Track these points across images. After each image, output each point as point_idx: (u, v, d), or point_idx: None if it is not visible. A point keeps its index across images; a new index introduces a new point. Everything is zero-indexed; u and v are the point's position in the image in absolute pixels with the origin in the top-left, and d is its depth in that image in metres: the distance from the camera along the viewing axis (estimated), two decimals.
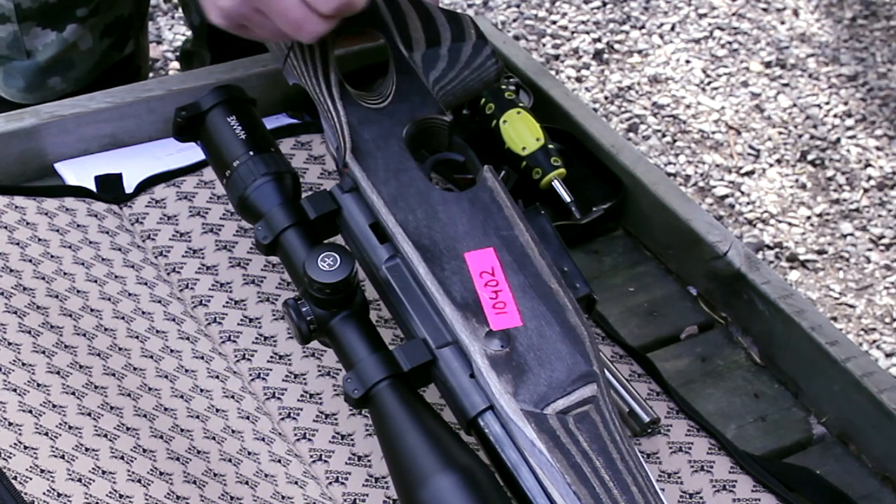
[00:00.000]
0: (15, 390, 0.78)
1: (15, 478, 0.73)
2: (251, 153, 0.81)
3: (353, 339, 0.74)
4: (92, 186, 0.97)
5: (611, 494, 0.67)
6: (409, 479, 0.68)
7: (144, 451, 0.78)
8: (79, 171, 1.00)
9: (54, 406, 0.78)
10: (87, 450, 0.76)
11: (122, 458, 0.77)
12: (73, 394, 0.80)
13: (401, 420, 0.70)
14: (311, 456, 0.81)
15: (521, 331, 0.72)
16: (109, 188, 0.97)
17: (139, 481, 0.76)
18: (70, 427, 0.77)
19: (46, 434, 0.76)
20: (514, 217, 0.77)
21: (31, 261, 0.88)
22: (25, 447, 0.75)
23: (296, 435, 0.82)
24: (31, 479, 0.74)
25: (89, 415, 0.79)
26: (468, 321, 0.72)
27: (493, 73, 0.92)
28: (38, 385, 0.79)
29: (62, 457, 0.75)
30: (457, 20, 0.91)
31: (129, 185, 0.97)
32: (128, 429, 0.79)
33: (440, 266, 0.74)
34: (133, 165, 1.00)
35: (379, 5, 0.89)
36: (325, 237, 0.80)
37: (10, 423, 0.76)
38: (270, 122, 1.03)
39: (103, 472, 0.75)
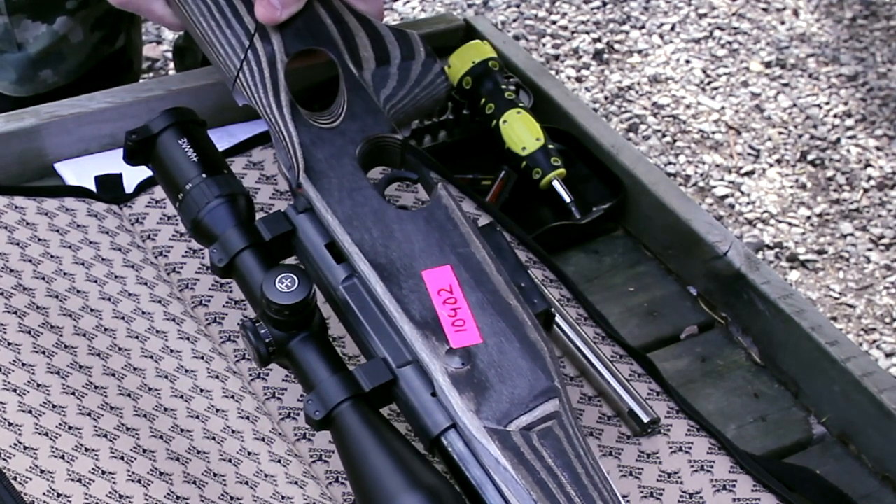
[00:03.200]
0: (15, 390, 0.79)
1: (15, 478, 0.73)
2: (204, 175, 0.80)
3: (313, 361, 0.73)
4: (92, 186, 0.97)
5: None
6: (375, 500, 0.67)
7: (144, 451, 0.78)
8: (79, 171, 1.00)
9: (54, 406, 0.78)
10: (86, 450, 0.76)
11: (122, 458, 0.77)
12: (73, 394, 0.80)
13: (364, 440, 0.69)
14: (311, 456, 0.81)
15: (481, 348, 0.72)
16: (109, 188, 0.97)
17: (139, 481, 0.76)
18: (70, 427, 0.77)
19: (46, 434, 0.76)
20: (469, 234, 0.76)
21: (30, 261, 0.88)
22: (25, 447, 0.75)
23: (296, 435, 0.82)
24: (30, 479, 0.74)
25: (89, 415, 0.79)
26: (428, 339, 0.72)
27: (443, 90, 0.92)
28: (38, 385, 0.79)
29: (62, 457, 0.75)
30: (405, 38, 0.91)
31: (129, 185, 0.97)
32: (128, 429, 0.79)
33: (398, 284, 0.74)
34: (133, 165, 1.00)
35: (327, 24, 0.89)
36: (280, 258, 0.79)
37: (10, 424, 0.76)
38: (262, 125, 1.03)
39: (103, 473, 0.75)
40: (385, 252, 0.76)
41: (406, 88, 0.89)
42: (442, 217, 0.77)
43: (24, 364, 0.80)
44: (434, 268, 0.75)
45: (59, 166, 1.01)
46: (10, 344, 0.82)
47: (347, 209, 0.78)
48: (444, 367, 0.71)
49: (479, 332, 0.72)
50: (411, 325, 0.73)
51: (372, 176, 0.83)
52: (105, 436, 0.78)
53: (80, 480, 0.74)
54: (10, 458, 0.74)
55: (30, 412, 0.77)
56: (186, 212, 0.80)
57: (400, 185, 0.97)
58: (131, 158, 0.83)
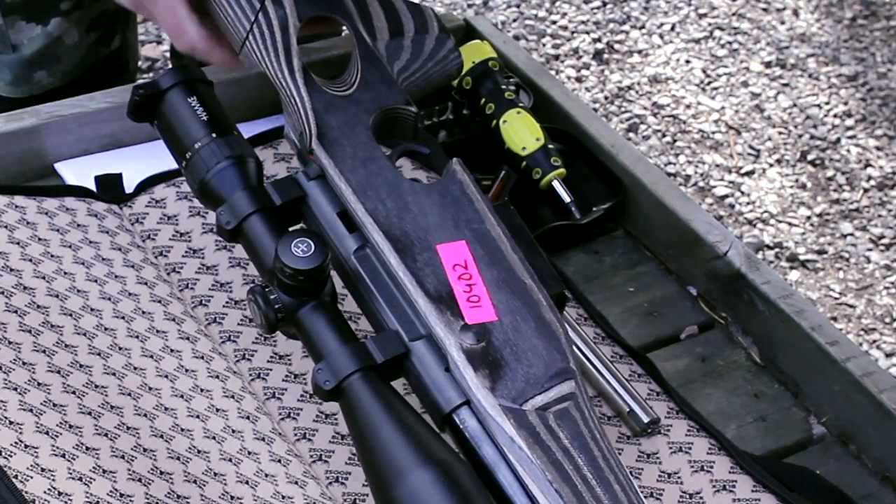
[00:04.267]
0: (16, 389, 0.78)
1: (16, 476, 0.73)
2: (213, 135, 0.78)
3: (323, 330, 0.71)
4: (92, 186, 0.97)
5: (593, 492, 0.65)
6: (385, 474, 0.66)
7: (145, 450, 0.78)
8: (79, 171, 1.00)
9: (55, 405, 0.78)
10: (87, 449, 0.76)
11: (122, 457, 0.77)
12: (74, 393, 0.80)
13: (375, 413, 0.68)
14: (312, 456, 0.81)
15: (496, 325, 0.70)
16: (109, 188, 0.97)
17: (140, 480, 0.76)
18: (71, 426, 0.77)
19: (47, 433, 0.76)
20: (484, 210, 0.75)
21: (31, 260, 0.88)
22: (26, 446, 0.75)
23: (296, 435, 0.82)
24: (31, 477, 0.74)
25: (90, 414, 0.79)
26: (443, 314, 0.70)
27: (455, 66, 0.90)
28: (39, 384, 0.79)
29: (63, 455, 0.75)
30: (419, 12, 0.89)
31: (129, 185, 0.97)
32: (128, 428, 0.79)
33: (412, 257, 0.72)
34: (133, 165, 1.00)
35: None
36: (290, 225, 0.77)
37: (11, 422, 0.76)
38: (269, 123, 1.03)
39: (104, 471, 0.75)
40: (399, 223, 0.74)
41: (419, 62, 0.87)
42: (457, 192, 0.76)
43: (24, 363, 0.80)
44: (449, 242, 0.73)
45: (59, 166, 1.01)
46: (10, 343, 0.82)
47: (361, 178, 0.76)
48: (458, 342, 0.69)
49: (494, 310, 0.71)
50: (426, 298, 0.71)
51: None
52: (106, 435, 0.78)
53: (80, 479, 0.74)
54: (10, 456, 0.74)
55: (30, 411, 0.77)
56: (193, 172, 0.78)
57: (407, 163, 0.96)
58: (136, 114, 0.81)
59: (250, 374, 0.85)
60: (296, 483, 0.79)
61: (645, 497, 0.80)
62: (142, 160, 1.01)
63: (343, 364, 0.70)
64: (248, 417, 0.82)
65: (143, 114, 0.81)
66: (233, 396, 0.83)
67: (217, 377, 0.84)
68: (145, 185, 0.97)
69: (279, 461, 0.80)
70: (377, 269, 0.74)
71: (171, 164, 0.99)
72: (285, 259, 0.70)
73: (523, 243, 0.75)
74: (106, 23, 1.27)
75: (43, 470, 0.74)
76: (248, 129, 1.03)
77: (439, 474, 0.65)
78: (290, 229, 0.75)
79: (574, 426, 0.68)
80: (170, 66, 2.32)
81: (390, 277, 0.73)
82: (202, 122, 0.78)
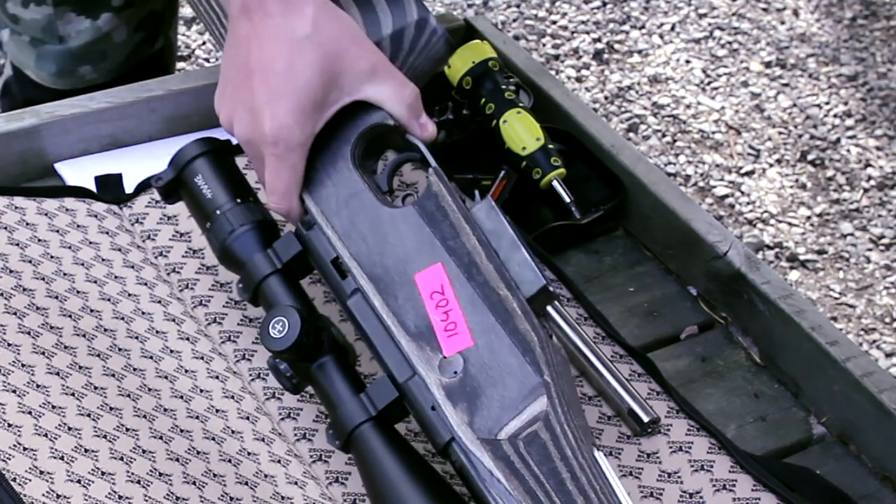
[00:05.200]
0: (14, 391, 0.78)
1: (14, 479, 0.73)
2: (237, 200, 0.81)
3: (328, 387, 0.75)
4: (92, 186, 0.97)
5: None
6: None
7: (144, 451, 0.78)
8: (79, 172, 1.00)
9: (54, 407, 0.78)
10: (86, 451, 0.76)
11: (121, 458, 0.77)
12: (73, 395, 0.80)
13: (382, 462, 0.71)
14: (311, 456, 0.81)
15: (472, 351, 0.71)
16: (109, 189, 0.97)
17: (139, 482, 0.76)
18: (70, 428, 0.77)
19: (46, 435, 0.76)
20: (459, 222, 0.75)
21: (30, 261, 0.88)
22: (25, 448, 0.75)
23: (296, 435, 0.82)
24: (30, 480, 0.74)
25: (89, 415, 0.79)
26: (423, 351, 0.72)
27: (442, 48, 0.88)
28: (38, 386, 0.79)
29: (62, 458, 0.75)
30: (397, 2, 0.87)
31: (130, 186, 0.97)
32: (127, 429, 0.79)
33: (394, 295, 0.74)
34: (133, 165, 1.00)
35: None
36: (303, 276, 0.80)
37: (10, 425, 0.76)
38: None
39: (103, 473, 0.75)
40: (381, 261, 0.75)
41: (400, 60, 0.87)
42: (432, 208, 0.76)
43: (23, 365, 0.80)
44: (426, 269, 0.74)
45: (59, 166, 1.01)
46: (9, 345, 0.82)
47: (345, 221, 0.78)
48: (438, 379, 0.71)
49: (469, 334, 0.72)
50: (407, 338, 0.73)
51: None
52: (105, 436, 0.78)
53: (79, 481, 0.74)
54: (9, 459, 0.74)
55: (29, 413, 0.77)
56: (214, 238, 0.81)
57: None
58: (168, 198, 0.85)
59: (250, 375, 0.85)
60: (295, 483, 0.79)
61: (645, 497, 0.80)
62: (142, 160, 1.01)
63: (346, 420, 0.73)
64: (247, 418, 0.82)
65: (172, 196, 0.85)
66: (232, 397, 0.83)
67: (217, 377, 0.84)
68: (145, 186, 0.97)
69: (279, 462, 0.80)
70: (368, 312, 0.75)
71: None
72: (267, 344, 0.74)
73: (505, 241, 0.75)
74: (153, 23, 1.27)
75: (42, 472, 0.74)
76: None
77: None
78: (280, 303, 0.77)
79: (543, 450, 0.68)
80: (182, 64, 2.32)
81: (379, 319, 0.75)
82: (212, 197, 0.82)
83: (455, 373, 0.71)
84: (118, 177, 0.98)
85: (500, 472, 0.68)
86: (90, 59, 1.23)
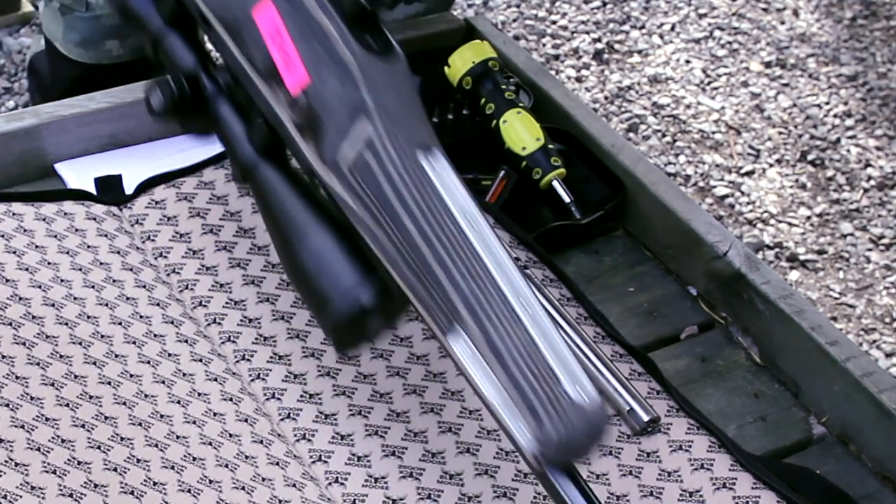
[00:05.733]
0: (7, 405, 0.78)
1: (5, 496, 0.73)
2: None
3: (228, 121, 0.77)
4: (92, 187, 0.97)
5: (392, 235, 0.67)
6: (291, 238, 0.72)
7: (139, 460, 0.77)
8: (79, 172, 1.00)
9: (47, 419, 0.78)
10: (79, 463, 0.76)
11: (115, 469, 0.76)
12: (67, 405, 0.79)
13: (278, 191, 0.73)
14: (311, 457, 0.81)
15: (310, 87, 0.71)
16: (109, 190, 0.97)
17: (132, 493, 0.75)
18: (63, 441, 0.77)
19: (38, 449, 0.76)
20: None
21: (27, 269, 0.88)
22: (17, 464, 0.75)
23: (295, 436, 0.82)
24: (20, 496, 0.73)
25: (83, 426, 0.78)
26: (274, 91, 0.73)
27: None
28: (32, 398, 0.79)
29: (54, 472, 0.75)
30: None
31: (129, 186, 0.97)
32: (122, 439, 0.78)
33: (243, 39, 0.74)
34: (133, 166, 1.00)
35: None
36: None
37: (2, 440, 0.75)
38: None
39: (95, 486, 0.75)
40: (226, 4, 0.76)
41: None
42: None
43: (17, 377, 0.80)
44: (258, 4, 0.74)
45: (59, 167, 1.01)
46: (3, 357, 0.81)
47: None
48: (290, 117, 0.72)
49: (304, 68, 0.72)
50: (259, 79, 0.74)
51: None
52: (99, 447, 0.77)
53: (71, 495, 0.74)
54: (0, 475, 0.74)
55: (22, 427, 0.77)
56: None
57: None
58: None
59: (250, 375, 0.85)
60: (293, 486, 0.79)
61: (645, 496, 0.80)
62: (142, 160, 1.01)
63: (243, 159, 0.75)
64: (245, 420, 0.82)
65: None
66: (231, 399, 0.83)
67: (215, 380, 0.84)
68: (145, 187, 0.97)
69: (277, 464, 0.80)
70: (236, 59, 0.76)
71: (171, 165, 0.99)
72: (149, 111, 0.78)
73: None
74: None
75: (33, 488, 0.74)
76: (210, 137, 1.03)
77: (337, 235, 0.71)
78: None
79: (368, 170, 0.69)
80: None
81: (239, 66, 0.76)
82: None
83: (300, 108, 0.72)
84: (118, 178, 0.98)
85: (348, 196, 0.69)
86: (118, 32, 1.22)
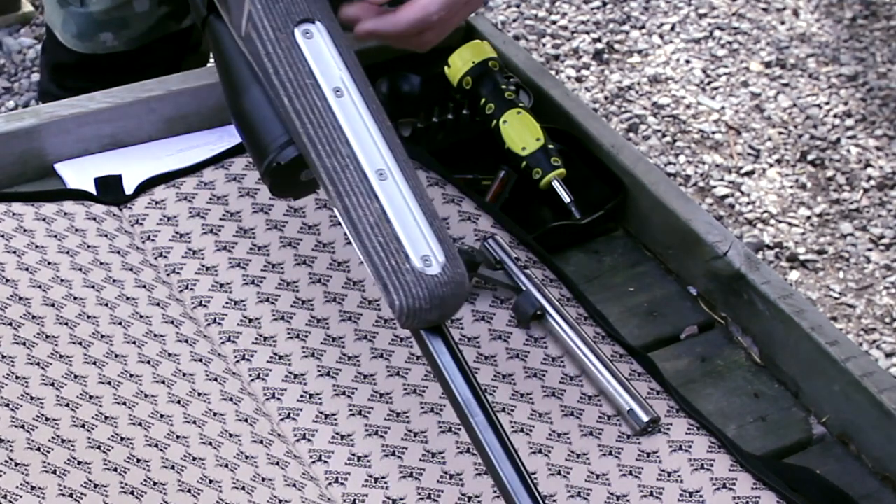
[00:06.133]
0: (7, 405, 0.78)
1: (5, 496, 0.73)
2: None
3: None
4: (92, 187, 0.97)
5: (278, 103, 0.71)
6: (237, 89, 0.74)
7: (139, 460, 0.77)
8: (79, 172, 1.00)
9: (47, 419, 0.78)
10: (79, 463, 0.76)
11: (114, 469, 0.76)
12: (68, 405, 0.79)
13: (225, 46, 0.76)
14: (311, 457, 0.81)
15: None
16: (109, 190, 0.97)
17: (132, 493, 0.75)
18: (63, 441, 0.77)
19: (38, 449, 0.76)
20: None
21: (27, 269, 0.88)
22: (17, 464, 0.75)
23: (295, 436, 0.82)
24: (20, 496, 0.73)
25: (83, 426, 0.78)
26: None
27: None
28: (32, 398, 0.79)
29: (54, 472, 0.75)
30: None
31: (129, 186, 0.97)
32: (122, 439, 0.78)
33: None
34: (133, 166, 1.00)
35: None
36: None
37: (2, 440, 0.75)
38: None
39: (95, 486, 0.75)
40: None
41: None
42: None
43: (17, 377, 0.80)
44: None
45: (59, 167, 1.01)
46: (3, 357, 0.81)
47: None
48: None
49: None
50: None
51: None
52: (99, 447, 0.77)
53: (71, 495, 0.74)
54: (0, 475, 0.74)
55: (22, 427, 0.77)
56: None
57: None
58: None
59: (250, 375, 0.85)
60: (293, 486, 0.79)
61: (645, 496, 0.80)
62: (142, 161, 1.01)
63: (197, 11, 0.78)
64: (245, 420, 0.82)
65: None
66: (231, 399, 0.83)
67: (215, 380, 0.84)
68: (145, 187, 0.97)
69: (277, 464, 0.80)
70: None
71: (171, 165, 0.99)
72: None
73: None
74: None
75: (33, 488, 0.73)
76: (210, 137, 1.03)
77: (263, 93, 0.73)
78: None
79: (254, 47, 0.72)
80: None
81: None
82: None
83: None
84: (118, 178, 0.98)
85: (254, 63, 0.72)
86: (110, 25, 1.24)
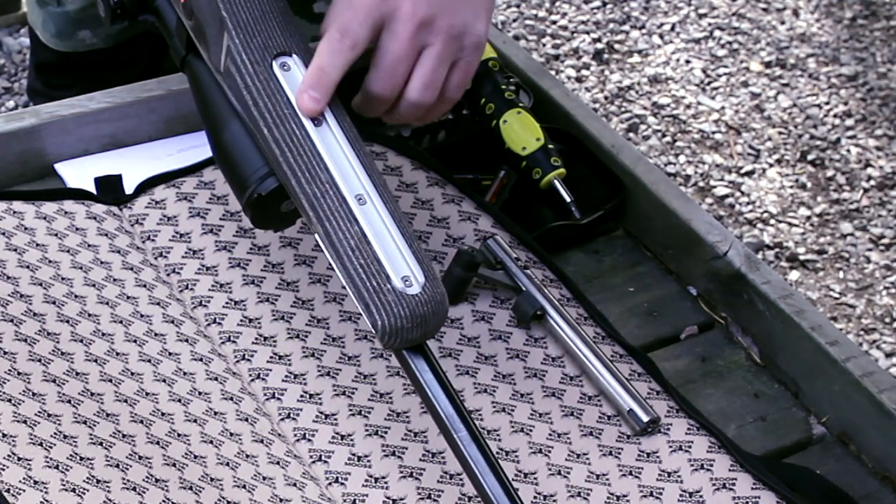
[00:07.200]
0: (10, 401, 0.78)
1: (8, 490, 0.73)
2: None
3: (165, 15, 0.81)
4: (92, 186, 0.97)
5: (258, 134, 0.73)
6: (217, 124, 0.76)
7: (140, 457, 0.77)
8: (79, 172, 1.00)
9: (49, 415, 0.78)
10: (81, 459, 0.76)
11: (117, 465, 0.76)
12: (69, 402, 0.79)
13: (203, 82, 0.78)
14: (311, 456, 0.81)
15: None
16: (109, 190, 0.97)
17: (134, 489, 0.75)
18: (65, 436, 0.77)
19: (41, 444, 0.76)
20: None
21: (28, 266, 0.88)
22: (19, 458, 0.75)
23: (295, 435, 0.82)
24: (23, 490, 0.73)
25: (85, 423, 0.78)
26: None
27: None
28: (34, 394, 0.79)
29: (56, 467, 0.75)
30: None
31: (129, 186, 0.97)
32: (124, 436, 0.78)
33: None
34: (133, 166, 1.00)
35: None
36: None
37: (4, 435, 0.76)
38: None
39: (98, 481, 0.75)
40: None
41: None
42: None
43: (19, 373, 0.80)
44: None
45: (59, 167, 1.01)
46: (5, 353, 0.81)
47: None
48: (187, 24, 0.77)
49: None
50: None
51: None
52: (101, 444, 0.77)
53: (74, 490, 0.74)
54: (3, 469, 0.74)
55: (24, 422, 0.77)
56: None
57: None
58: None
59: (250, 375, 0.85)
60: (294, 485, 0.79)
61: (645, 496, 0.80)
62: (142, 160, 1.01)
63: (177, 50, 0.81)
64: (246, 419, 0.82)
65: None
66: (231, 398, 0.83)
67: (215, 379, 0.84)
68: (145, 186, 0.97)
69: (277, 463, 0.80)
70: None
71: (171, 165, 0.99)
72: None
73: None
74: None
75: (36, 482, 0.74)
76: (192, 140, 1.03)
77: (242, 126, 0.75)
78: None
79: (233, 81, 0.74)
80: None
81: None
82: None
83: (189, 18, 0.77)
84: (118, 178, 0.98)
85: (231, 98, 0.74)
86: (87, 23, 1.25)
